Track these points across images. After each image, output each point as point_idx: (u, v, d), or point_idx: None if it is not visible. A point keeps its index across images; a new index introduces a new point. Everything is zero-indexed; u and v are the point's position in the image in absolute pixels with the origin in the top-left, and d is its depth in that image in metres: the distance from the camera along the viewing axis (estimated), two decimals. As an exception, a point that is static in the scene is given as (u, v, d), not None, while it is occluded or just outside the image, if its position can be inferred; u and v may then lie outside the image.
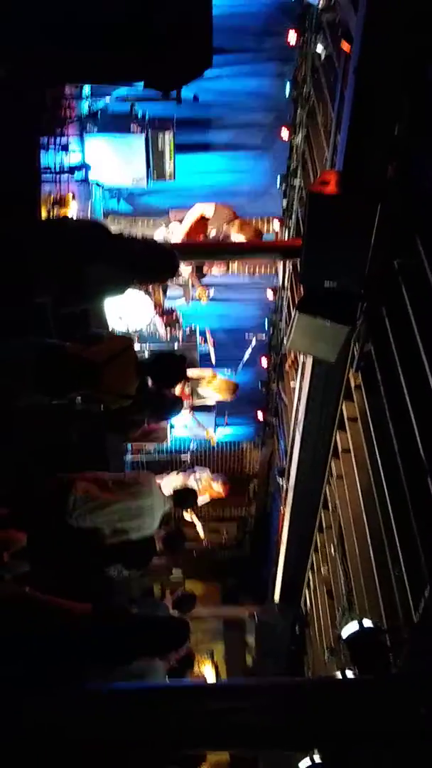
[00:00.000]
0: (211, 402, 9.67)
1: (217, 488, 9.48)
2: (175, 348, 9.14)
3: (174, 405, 5.30)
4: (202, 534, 9.49)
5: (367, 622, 4.64)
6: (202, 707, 2.81)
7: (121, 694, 3.03)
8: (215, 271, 8.65)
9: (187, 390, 9.17)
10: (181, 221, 8.24)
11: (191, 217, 8.09)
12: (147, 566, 5.56)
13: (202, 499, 8.76)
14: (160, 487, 5.39)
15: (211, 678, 10.94)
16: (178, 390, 8.72)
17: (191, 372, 9.14)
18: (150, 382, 4.73)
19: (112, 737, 2.75)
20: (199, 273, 8.59)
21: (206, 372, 9.44)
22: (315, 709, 2.88)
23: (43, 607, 3.97)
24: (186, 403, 9.23)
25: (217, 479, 9.54)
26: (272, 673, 8.63)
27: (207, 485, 9.27)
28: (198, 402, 9.57)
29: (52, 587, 4.25)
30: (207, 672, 10.95)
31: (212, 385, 9.41)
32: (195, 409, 9.77)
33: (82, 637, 3.86)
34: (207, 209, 8.14)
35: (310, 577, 8.09)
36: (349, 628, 4.61)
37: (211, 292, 9.19)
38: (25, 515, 4.58)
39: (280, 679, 6.35)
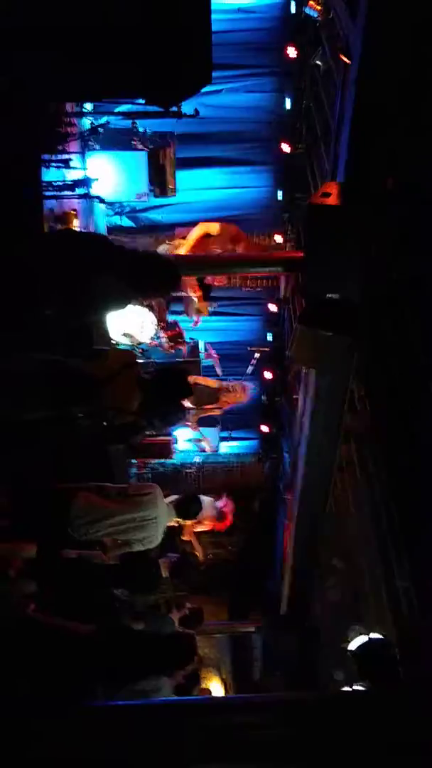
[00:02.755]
0: (217, 411, 9.57)
1: (218, 523, 9.38)
2: (179, 361, 9.13)
3: (178, 411, 5.25)
4: (200, 554, 9.40)
5: (375, 635, 4.61)
6: (209, 723, 2.78)
7: (126, 712, 3.00)
8: (218, 282, 8.65)
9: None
10: (185, 238, 8.26)
11: (194, 234, 8.11)
12: (153, 591, 5.52)
13: (201, 527, 8.65)
14: (164, 499, 5.37)
15: (218, 693, 10.85)
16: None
17: (205, 382, 9.12)
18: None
19: (118, 756, 2.73)
20: (202, 286, 8.58)
21: (213, 382, 9.36)
22: (324, 725, 2.85)
23: (49, 629, 3.95)
24: (191, 413, 9.20)
25: (219, 511, 9.42)
26: (280, 688, 8.57)
27: (208, 516, 9.18)
28: (203, 413, 9.48)
29: (56, 604, 4.23)
30: (214, 687, 10.86)
31: (220, 399, 9.34)
32: (201, 421, 9.73)
33: (87, 658, 3.83)
34: (211, 227, 8.15)
35: (317, 590, 8.04)
36: (357, 641, 4.58)
37: (214, 305, 9.20)
38: (28, 527, 4.56)
39: (288, 695, 6.29)
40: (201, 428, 9.99)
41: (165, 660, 4.22)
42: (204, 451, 10.91)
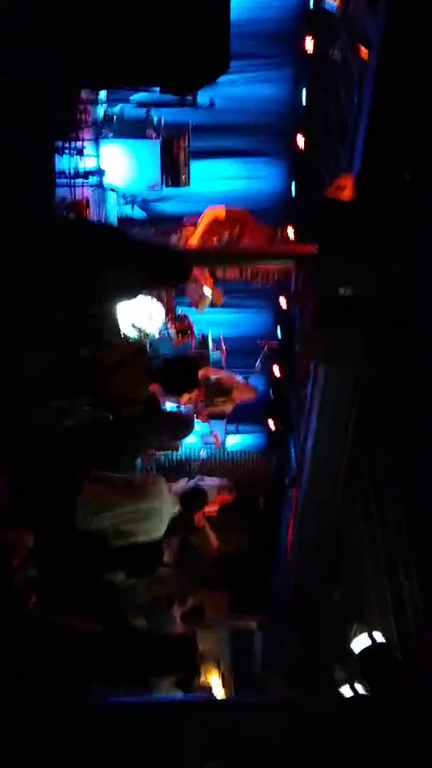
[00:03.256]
0: (228, 407, 9.49)
1: (223, 496, 9.37)
2: (188, 353, 9.09)
3: (186, 427, 5.28)
4: (214, 541, 9.37)
5: (378, 636, 4.58)
6: (209, 723, 2.76)
7: (126, 709, 2.98)
8: (230, 275, 8.59)
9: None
10: (195, 226, 8.21)
11: (204, 221, 8.06)
12: (153, 573, 5.51)
13: (210, 508, 8.64)
14: (169, 490, 5.34)
15: (217, 688, 10.84)
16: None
17: (217, 374, 9.07)
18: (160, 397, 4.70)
19: (118, 753, 2.71)
20: (211, 276, 8.54)
21: (224, 375, 9.29)
22: (326, 728, 2.82)
23: (50, 627, 3.93)
24: (200, 406, 9.13)
25: (223, 488, 9.42)
26: (280, 685, 8.54)
27: (213, 494, 9.17)
28: (214, 408, 9.40)
29: (59, 598, 4.21)
30: (214, 682, 10.85)
31: (231, 392, 9.27)
32: (210, 416, 9.67)
33: (89, 656, 3.81)
34: (219, 212, 8.10)
35: (320, 588, 8.00)
36: (360, 642, 4.55)
37: (224, 298, 9.14)
38: (34, 515, 4.55)
39: (289, 697, 6.28)
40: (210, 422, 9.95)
41: (165, 663, 4.20)
42: (210, 444, 10.87)
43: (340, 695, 4.84)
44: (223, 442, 10.88)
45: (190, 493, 5.67)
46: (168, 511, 5.17)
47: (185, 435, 5.63)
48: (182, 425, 5.32)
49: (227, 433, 10.65)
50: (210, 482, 8.86)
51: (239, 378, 9.50)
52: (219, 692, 10.33)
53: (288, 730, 2.76)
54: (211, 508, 8.41)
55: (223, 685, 10.89)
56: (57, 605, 4.26)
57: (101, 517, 4.82)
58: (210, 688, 8.84)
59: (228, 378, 9.24)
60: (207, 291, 8.62)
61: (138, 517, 4.97)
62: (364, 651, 4.42)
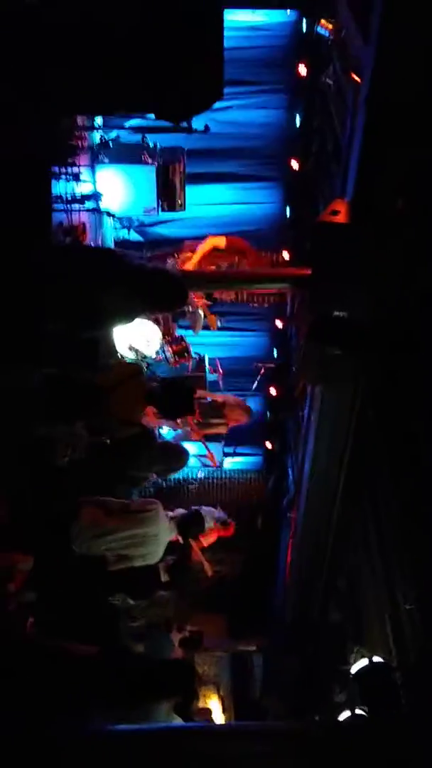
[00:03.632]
0: (220, 431, 9.50)
1: (222, 529, 9.33)
2: (185, 375, 9.11)
3: (180, 461, 5.31)
4: (209, 570, 9.33)
5: (377, 659, 4.56)
6: (208, 751, 2.74)
7: (124, 736, 2.96)
8: (224, 296, 8.63)
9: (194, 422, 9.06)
10: (193, 252, 8.26)
11: (203, 248, 8.11)
12: (151, 596, 5.50)
13: (206, 540, 8.59)
14: (166, 516, 5.35)
15: (217, 712, 10.75)
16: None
17: (213, 396, 9.08)
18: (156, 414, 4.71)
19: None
20: (208, 299, 8.59)
21: (219, 396, 9.30)
22: (326, 754, 2.81)
23: (48, 650, 3.91)
24: (195, 427, 9.14)
25: (222, 520, 9.38)
26: (280, 709, 8.47)
27: (211, 527, 9.13)
28: (209, 430, 9.40)
29: (56, 622, 4.19)
30: (213, 706, 10.77)
31: (227, 413, 9.26)
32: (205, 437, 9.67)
33: (86, 679, 3.79)
34: (219, 241, 8.16)
35: (319, 610, 7.96)
36: (359, 665, 4.53)
37: (221, 321, 9.19)
38: (32, 540, 4.54)
39: (290, 723, 6.23)
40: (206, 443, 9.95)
41: (163, 689, 4.18)
42: (207, 466, 10.86)
43: (340, 719, 4.81)
44: (221, 463, 10.87)
45: (188, 519, 5.66)
46: (165, 536, 5.18)
47: (179, 468, 5.64)
48: (176, 459, 5.35)
49: (225, 454, 10.65)
50: (208, 512, 8.84)
51: (235, 399, 9.50)
52: (219, 716, 10.25)
53: (287, 758, 2.75)
54: (209, 540, 8.38)
55: (223, 710, 10.81)
56: (54, 628, 4.25)
57: (99, 541, 4.83)
58: (209, 714, 8.77)
59: (224, 399, 9.26)
60: (200, 312, 8.67)
61: (135, 543, 4.98)
62: (363, 674, 4.40)
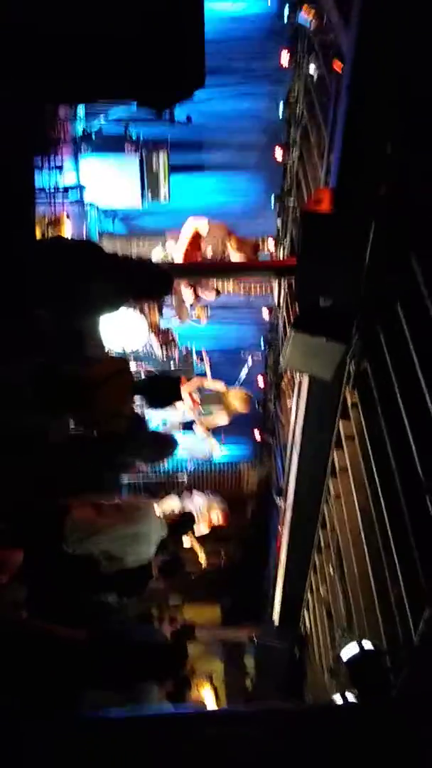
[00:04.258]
0: (222, 421, 9.44)
1: (216, 518, 9.35)
2: (172, 368, 9.11)
3: (169, 447, 5.29)
4: (203, 559, 9.35)
5: (367, 644, 4.59)
6: (198, 735, 2.76)
7: (116, 723, 2.98)
8: (207, 296, 8.59)
9: (196, 396, 9.01)
10: (177, 241, 8.25)
11: (186, 234, 8.10)
12: (143, 593, 5.51)
13: (201, 529, 8.60)
14: (157, 513, 5.35)
15: (210, 701, 10.81)
16: (187, 399, 8.62)
17: (206, 383, 9.06)
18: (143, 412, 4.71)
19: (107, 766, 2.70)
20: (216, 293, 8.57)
21: (219, 385, 9.28)
22: (317, 736, 2.83)
23: (39, 634, 3.92)
24: (195, 412, 9.13)
25: (216, 507, 9.40)
26: (272, 696, 8.53)
27: (205, 514, 9.14)
28: (208, 420, 9.37)
29: (48, 612, 4.20)
30: (206, 695, 10.83)
31: (228, 401, 9.25)
32: (186, 426, 9.66)
33: (77, 663, 3.80)
34: (200, 225, 8.14)
35: (309, 598, 8.01)
36: (349, 650, 4.56)
37: (208, 312, 9.18)
38: (22, 539, 4.54)
39: (279, 706, 6.27)
40: (185, 432, 9.98)
41: (154, 667, 4.20)
42: (197, 457, 10.88)
43: (331, 703, 4.85)
44: (210, 455, 10.90)
45: (179, 521, 5.67)
46: (157, 535, 5.18)
47: (167, 456, 5.62)
48: (165, 447, 5.34)
49: (214, 445, 10.66)
50: (200, 500, 8.86)
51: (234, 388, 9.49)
52: (212, 706, 10.30)
53: (278, 740, 2.77)
54: (202, 530, 8.40)
55: (216, 699, 10.86)
56: (44, 615, 4.26)
57: (90, 541, 4.82)
58: (202, 701, 8.83)
59: (223, 388, 9.25)
60: (188, 301, 8.66)
61: (127, 542, 4.98)
62: (353, 659, 4.44)
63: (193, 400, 8.92)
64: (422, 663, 4.07)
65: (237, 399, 9.26)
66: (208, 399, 9.26)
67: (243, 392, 9.40)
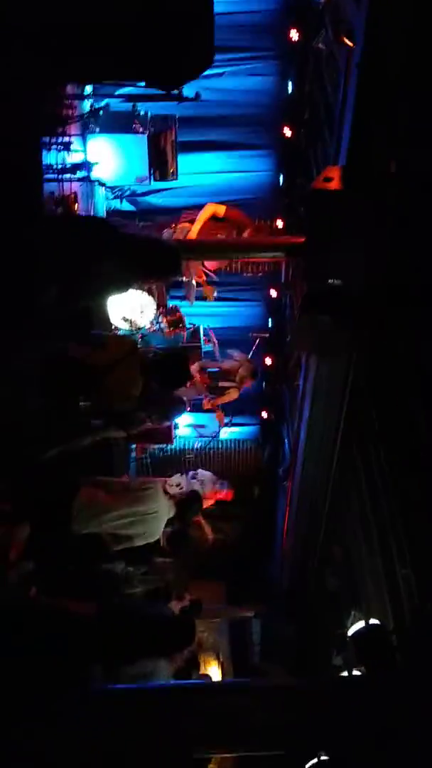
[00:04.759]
0: (233, 397, 9.47)
1: (221, 493, 9.40)
2: (179, 346, 9.11)
3: (178, 405, 5.29)
4: (210, 535, 9.41)
5: (374, 621, 4.63)
6: (207, 707, 2.80)
7: (125, 694, 3.02)
8: (208, 264, 8.58)
9: (204, 375, 9.07)
10: (192, 222, 8.20)
11: (203, 215, 8.05)
12: (150, 561, 5.55)
13: (206, 503, 8.67)
14: (165, 493, 5.37)
15: (216, 677, 10.91)
16: (197, 377, 8.69)
17: (217, 366, 9.11)
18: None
19: (117, 738, 2.75)
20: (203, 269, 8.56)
21: (226, 365, 9.31)
22: (322, 709, 2.87)
23: (48, 609, 3.97)
24: (208, 396, 9.17)
25: (220, 484, 9.45)
26: (278, 672, 8.61)
27: (210, 490, 9.19)
28: (223, 398, 9.40)
29: (56, 585, 4.24)
30: (213, 671, 10.92)
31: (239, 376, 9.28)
32: (196, 406, 9.70)
33: (87, 637, 3.85)
34: (219, 209, 8.10)
35: (316, 576, 8.06)
36: (356, 627, 4.60)
37: (216, 292, 9.17)
38: (31, 517, 4.57)
39: (286, 679, 6.33)
40: (202, 413, 10.01)
41: (165, 641, 4.25)
42: (204, 436, 10.92)
43: (337, 678, 4.90)
44: (217, 434, 10.93)
45: (186, 500, 5.69)
46: (164, 514, 5.22)
47: (177, 414, 5.60)
48: (173, 405, 5.32)
49: (221, 424, 10.69)
50: (205, 475, 8.89)
51: (240, 355, 9.49)
52: (218, 680, 10.38)
53: (284, 713, 2.81)
54: (208, 503, 8.44)
55: (223, 675, 10.96)
56: (54, 591, 4.30)
57: (98, 520, 4.85)
58: (209, 680, 8.90)
59: (229, 366, 9.26)
60: (194, 282, 8.65)
61: (135, 521, 5.02)
62: (360, 636, 4.48)
63: (202, 378, 8.95)
64: (429, 640, 4.11)
65: (245, 372, 9.28)
66: (216, 376, 9.29)
67: (249, 364, 9.42)
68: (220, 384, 9.26)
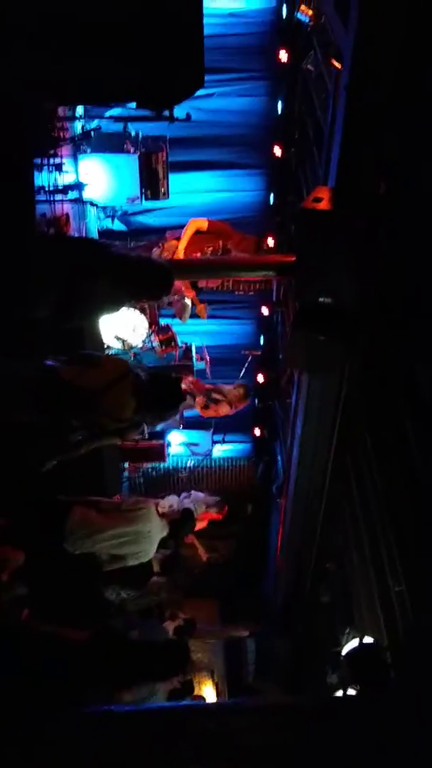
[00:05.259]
0: (224, 411, 9.55)
1: (213, 514, 9.42)
2: (171, 365, 9.13)
3: (174, 397, 5.16)
4: (203, 554, 9.39)
5: (368, 639, 4.62)
6: (201, 728, 2.78)
7: (119, 717, 3.00)
8: (208, 283, 8.65)
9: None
10: (177, 240, 8.26)
11: (187, 233, 8.12)
12: (144, 587, 5.53)
13: (199, 524, 8.66)
14: (158, 513, 5.37)
15: (211, 697, 10.84)
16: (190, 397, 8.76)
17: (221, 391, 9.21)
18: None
19: (111, 760, 2.73)
20: (194, 288, 8.60)
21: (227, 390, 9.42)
22: (317, 728, 2.86)
23: (42, 635, 3.95)
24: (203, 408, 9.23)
25: (213, 503, 9.47)
26: (273, 692, 8.56)
27: (203, 512, 9.20)
28: (210, 411, 9.46)
29: (49, 611, 4.22)
30: (207, 691, 10.86)
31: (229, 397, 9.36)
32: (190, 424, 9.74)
33: (80, 664, 3.83)
34: (201, 223, 8.17)
35: (309, 593, 8.04)
36: (350, 645, 4.59)
37: (208, 310, 9.21)
38: (23, 538, 4.56)
39: (281, 699, 6.29)
40: (195, 431, 10.06)
41: (159, 667, 4.23)
42: (197, 454, 10.92)
43: (332, 698, 4.88)
44: (210, 451, 10.93)
45: (179, 519, 5.68)
46: (157, 534, 5.20)
47: (170, 416, 5.52)
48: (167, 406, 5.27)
49: (214, 442, 10.70)
50: (198, 496, 8.90)
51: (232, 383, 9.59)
52: (213, 701, 10.32)
53: (279, 733, 2.80)
54: (200, 524, 8.44)
55: (217, 695, 10.89)
56: (47, 616, 4.28)
57: (90, 540, 4.84)
58: (204, 698, 8.85)
59: (223, 392, 9.38)
60: (188, 301, 8.69)
61: (128, 541, 5.00)
62: (354, 655, 4.47)
63: (196, 384, 9.04)
64: (423, 658, 4.10)
65: (237, 394, 9.35)
66: (209, 392, 9.34)
67: (242, 387, 9.47)
68: (213, 395, 9.32)
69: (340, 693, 4.88)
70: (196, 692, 8.82)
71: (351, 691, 4.63)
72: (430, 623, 3.97)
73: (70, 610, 4.73)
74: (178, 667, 4.53)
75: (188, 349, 9.57)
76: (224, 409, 9.43)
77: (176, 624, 5.90)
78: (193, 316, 9.02)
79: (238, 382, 9.62)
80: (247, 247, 8.32)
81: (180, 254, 8.01)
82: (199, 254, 8.08)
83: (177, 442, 10.50)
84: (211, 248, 8.05)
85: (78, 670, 3.86)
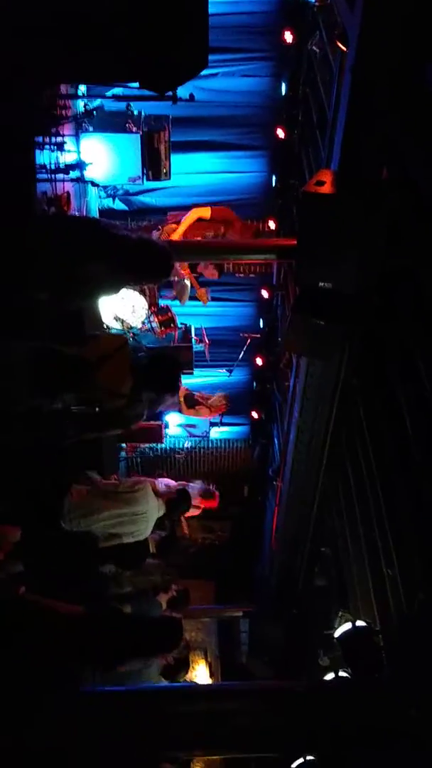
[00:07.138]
0: (203, 415, 9.86)
1: (208, 503, 9.44)
2: (170, 346, 9.14)
3: (173, 376, 5.12)
4: (186, 530, 9.48)
5: (360, 623, 4.66)
6: (194, 709, 2.80)
7: (114, 697, 3.02)
8: (209, 275, 8.63)
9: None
10: (178, 223, 8.23)
11: (188, 220, 8.08)
12: (139, 566, 5.56)
13: (193, 511, 8.73)
14: (155, 493, 5.39)
15: (204, 676, 10.94)
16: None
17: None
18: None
19: (106, 739, 2.76)
20: (193, 272, 8.59)
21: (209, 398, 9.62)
22: (308, 711, 2.88)
23: (36, 610, 3.97)
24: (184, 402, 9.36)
25: (208, 493, 9.48)
26: (266, 672, 8.63)
27: (197, 501, 9.25)
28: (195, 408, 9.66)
29: (45, 587, 4.25)
30: (201, 670, 10.96)
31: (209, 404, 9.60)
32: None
33: (75, 639, 3.85)
34: (204, 212, 8.13)
35: (304, 576, 8.09)
36: (343, 628, 4.63)
37: (209, 295, 9.20)
38: (21, 515, 4.58)
39: (273, 682, 6.35)
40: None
41: (152, 643, 4.26)
42: (195, 436, 10.95)
43: (324, 680, 4.92)
44: (207, 433, 10.96)
45: (175, 500, 5.70)
46: (154, 514, 5.23)
47: (170, 395, 5.52)
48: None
49: (212, 424, 10.73)
50: (195, 487, 8.94)
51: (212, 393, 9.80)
52: (206, 681, 10.43)
53: (271, 715, 2.82)
54: (195, 512, 8.48)
55: (210, 674, 11.00)
56: (42, 590, 4.31)
57: (88, 520, 4.87)
58: (196, 678, 8.93)
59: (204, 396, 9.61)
60: (187, 282, 8.67)
61: (125, 521, 5.03)
62: (347, 638, 4.50)
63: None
64: (414, 642, 4.13)
65: (218, 401, 9.60)
66: (189, 399, 9.51)
67: (224, 397, 9.70)
68: (196, 396, 9.51)
69: (332, 675, 4.92)
70: (189, 671, 8.89)
71: (343, 674, 4.68)
72: (421, 607, 4.00)
73: (66, 586, 4.76)
74: (171, 644, 4.56)
75: (187, 330, 9.57)
76: (201, 413, 9.75)
77: (169, 596, 5.93)
78: (193, 298, 9.01)
79: (221, 393, 9.84)
80: (248, 236, 8.30)
81: (177, 238, 7.98)
82: (199, 239, 8.05)
83: (175, 423, 10.53)
84: (212, 233, 8.02)
85: (72, 643, 3.88)
